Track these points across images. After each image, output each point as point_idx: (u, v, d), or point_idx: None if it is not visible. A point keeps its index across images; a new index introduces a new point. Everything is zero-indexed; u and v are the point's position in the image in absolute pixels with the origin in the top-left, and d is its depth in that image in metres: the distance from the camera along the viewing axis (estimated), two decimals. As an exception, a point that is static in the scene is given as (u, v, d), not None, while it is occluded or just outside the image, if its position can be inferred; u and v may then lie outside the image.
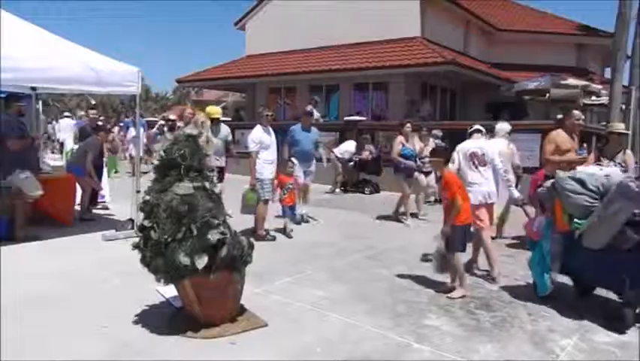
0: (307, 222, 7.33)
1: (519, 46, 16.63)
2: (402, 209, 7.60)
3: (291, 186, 6.53)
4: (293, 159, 7.07)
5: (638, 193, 3.51)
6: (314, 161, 7.53)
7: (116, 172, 12.83)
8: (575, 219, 3.79)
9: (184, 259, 3.16)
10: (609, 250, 3.64)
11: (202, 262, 3.18)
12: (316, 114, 13.06)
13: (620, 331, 3.58)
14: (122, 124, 18.45)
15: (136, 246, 3.42)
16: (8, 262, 4.71)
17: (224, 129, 7.35)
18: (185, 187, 3.32)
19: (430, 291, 4.36)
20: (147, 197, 3.42)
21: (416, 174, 7.76)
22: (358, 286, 4.49)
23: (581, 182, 3.84)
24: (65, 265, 4.89)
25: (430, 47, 13.28)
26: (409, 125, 7.66)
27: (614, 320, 3.64)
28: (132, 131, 16.00)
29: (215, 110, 7.34)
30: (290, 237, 6.36)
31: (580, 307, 4.09)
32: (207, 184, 3.47)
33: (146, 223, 3.33)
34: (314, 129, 7.56)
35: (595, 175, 3.90)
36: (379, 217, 7.85)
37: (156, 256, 3.26)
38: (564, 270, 4.06)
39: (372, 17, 14.11)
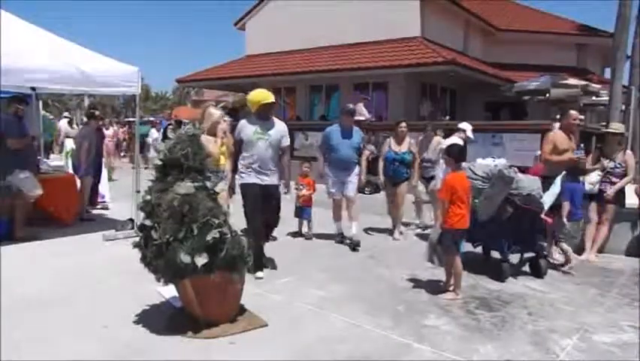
0: (356, 249, 5.80)
1: (519, 46, 16.62)
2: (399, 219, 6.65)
3: (301, 187, 6.44)
4: (327, 170, 6.01)
5: (511, 178, 4.67)
6: (355, 170, 5.98)
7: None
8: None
9: (185, 258, 3.17)
10: (494, 220, 4.75)
11: (202, 260, 3.18)
12: (366, 114, 12.30)
13: (501, 280, 4.70)
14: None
15: (136, 245, 3.43)
16: (8, 262, 4.71)
17: (279, 127, 4.79)
18: (186, 187, 3.33)
19: (430, 291, 4.36)
20: (148, 197, 3.42)
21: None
22: (358, 286, 4.49)
23: (472, 170, 4.84)
24: (65, 265, 4.89)
25: (430, 46, 13.26)
26: (403, 124, 6.53)
27: (496, 274, 4.79)
28: None
29: (262, 96, 4.67)
30: (309, 238, 6.34)
31: (580, 307, 4.10)
32: (208, 184, 3.49)
33: (147, 223, 3.33)
34: (356, 131, 6.06)
35: (488, 165, 5.01)
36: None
37: (157, 256, 3.26)
38: (469, 240, 4.93)
39: (372, 17, 14.10)
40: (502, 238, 4.88)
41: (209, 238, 3.23)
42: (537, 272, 4.94)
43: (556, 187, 5.28)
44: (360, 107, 11.92)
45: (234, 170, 4.82)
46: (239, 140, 4.74)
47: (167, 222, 3.24)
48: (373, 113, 13.10)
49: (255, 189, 4.62)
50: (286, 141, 4.86)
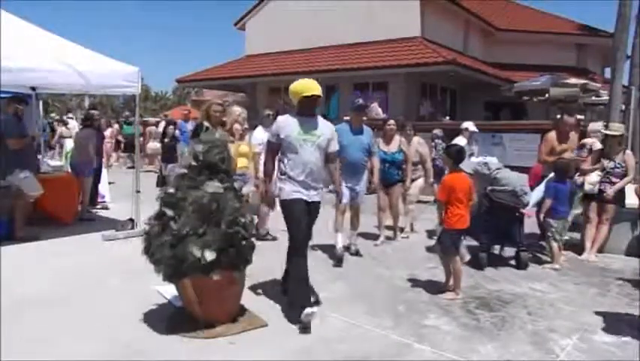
0: (358, 255, 5.61)
1: (519, 46, 16.64)
2: (385, 222, 6.37)
3: None
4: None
5: (484, 174, 5.08)
6: (365, 174, 5.53)
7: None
8: None
9: (196, 252, 3.21)
10: (476, 214, 4.84)
11: (210, 256, 3.22)
12: (380, 113, 12.27)
13: (480, 268, 5.00)
14: None
15: (144, 233, 3.46)
16: (8, 262, 4.71)
17: (326, 127, 3.98)
18: (214, 186, 3.42)
19: (430, 291, 4.36)
20: (171, 190, 3.47)
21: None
22: (358, 286, 4.49)
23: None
24: (65, 265, 4.89)
25: (430, 46, 13.27)
26: (391, 122, 6.15)
27: (475, 262, 5.03)
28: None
29: (304, 87, 3.81)
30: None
31: (580, 307, 4.10)
32: (236, 185, 3.60)
33: (169, 213, 3.36)
34: (367, 130, 5.47)
35: (473, 162, 5.21)
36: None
37: (165, 247, 3.28)
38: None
39: (372, 17, 14.11)
40: (481, 230, 5.13)
41: (230, 230, 3.32)
42: (518, 264, 5.19)
43: (542, 186, 5.48)
44: (375, 106, 11.84)
45: (269, 176, 3.98)
46: (277, 142, 3.84)
47: (191, 216, 3.30)
48: (387, 113, 13.11)
49: (302, 206, 3.79)
50: (335, 146, 4.01)
